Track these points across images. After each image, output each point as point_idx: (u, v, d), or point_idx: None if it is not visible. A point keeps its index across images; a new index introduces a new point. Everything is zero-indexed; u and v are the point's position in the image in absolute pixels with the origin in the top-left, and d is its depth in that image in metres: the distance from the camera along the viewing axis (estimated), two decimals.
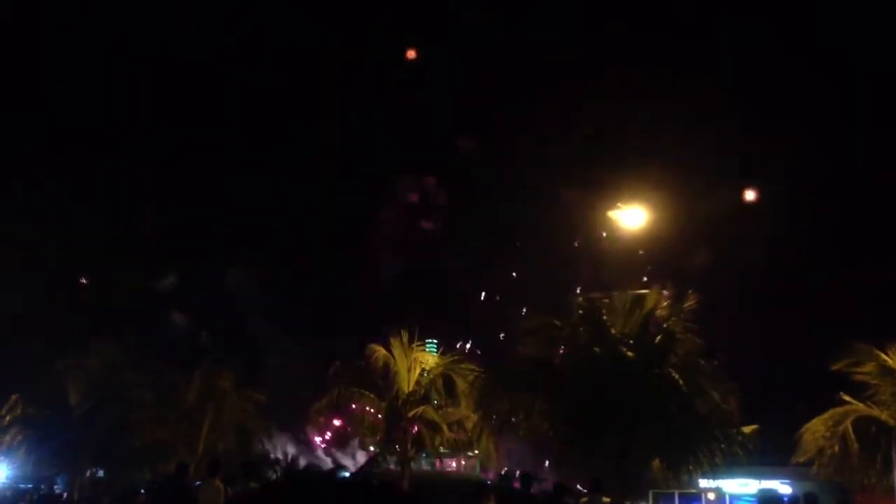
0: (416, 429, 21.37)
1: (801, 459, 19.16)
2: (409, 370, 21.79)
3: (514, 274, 59.46)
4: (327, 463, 34.08)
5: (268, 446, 28.64)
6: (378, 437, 22.31)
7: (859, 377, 18.55)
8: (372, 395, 21.69)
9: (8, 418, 25.38)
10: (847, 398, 18.79)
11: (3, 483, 27.20)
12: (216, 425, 25.13)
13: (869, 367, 18.45)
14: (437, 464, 28.17)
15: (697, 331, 16.73)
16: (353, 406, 22.67)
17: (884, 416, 18.39)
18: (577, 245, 54.50)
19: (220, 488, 12.34)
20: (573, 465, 17.15)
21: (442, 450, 23.15)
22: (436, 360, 22.35)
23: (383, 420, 21.57)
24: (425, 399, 21.78)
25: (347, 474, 21.22)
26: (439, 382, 21.56)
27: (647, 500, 26.17)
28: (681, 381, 15.65)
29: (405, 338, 21.79)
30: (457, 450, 25.66)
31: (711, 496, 30.39)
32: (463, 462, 35.06)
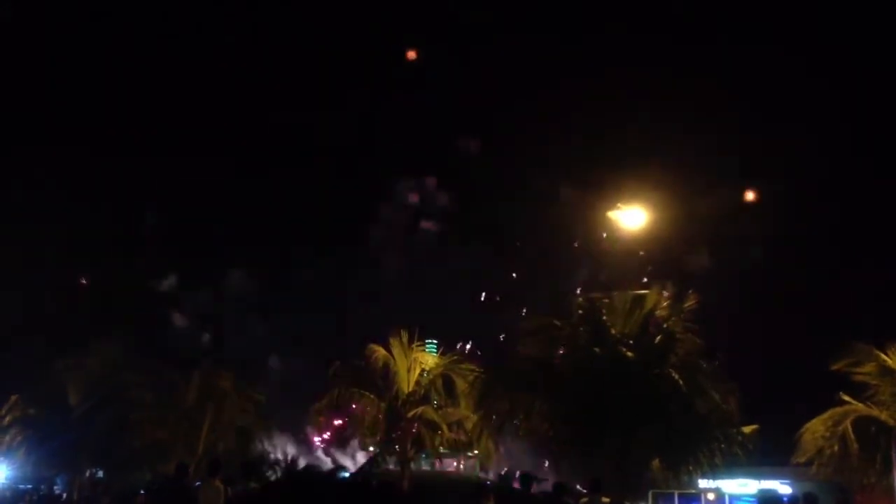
0: (415, 429, 21.35)
1: (801, 459, 19.11)
2: (408, 370, 21.77)
3: (514, 274, 59.48)
4: (327, 463, 34.04)
5: (268, 446, 28.59)
6: (378, 438, 22.28)
7: (859, 377, 18.51)
8: (372, 396, 21.65)
9: (8, 419, 25.38)
10: (847, 398, 18.75)
11: (3, 483, 27.22)
12: (216, 425, 25.09)
13: (869, 367, 18.42)
14: (437, 464, 28.12)
15: (697, 331, 16.71)
16: (353, 406, 22.65)
17: (883, 416, 18.36)
18: (576, 246, 54.52)
19: (219, 489, 12.33)
20: (573, 465, 17.13)
21: (442, 450, 23.12)
22: (435, 360, 22.33)
23: (383, 420, 21.55)
24: (425, 399, 21.76)
25: (347, 475, 21.21)
26: (439, 383, 21.55)
27: (647, 501, 26.16)
28: (681, 382, 15.62)
29: (405, 338, 21.79)
30: (456, 450, 25.66)
31: (711, 496, 30.39)
32: (462, 462, 35.03)
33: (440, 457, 25.68)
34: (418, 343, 22.16)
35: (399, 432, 21.46)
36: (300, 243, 54.84)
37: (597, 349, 16.35)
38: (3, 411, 25.46)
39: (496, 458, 22.49)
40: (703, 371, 16.25)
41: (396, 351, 21.81)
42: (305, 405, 25.58)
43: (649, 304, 16.78)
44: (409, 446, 21.36)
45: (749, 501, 27.90)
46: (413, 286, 55.01)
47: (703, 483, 26.22)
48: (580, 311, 17.51)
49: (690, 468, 16.31)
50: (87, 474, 27.14)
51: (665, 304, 16.95)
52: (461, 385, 20.68)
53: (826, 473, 18.85)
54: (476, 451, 24.40)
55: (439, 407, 21.84)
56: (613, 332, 16.59)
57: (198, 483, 14.31)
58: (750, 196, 40.97)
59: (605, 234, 47.65)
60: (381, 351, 21.94)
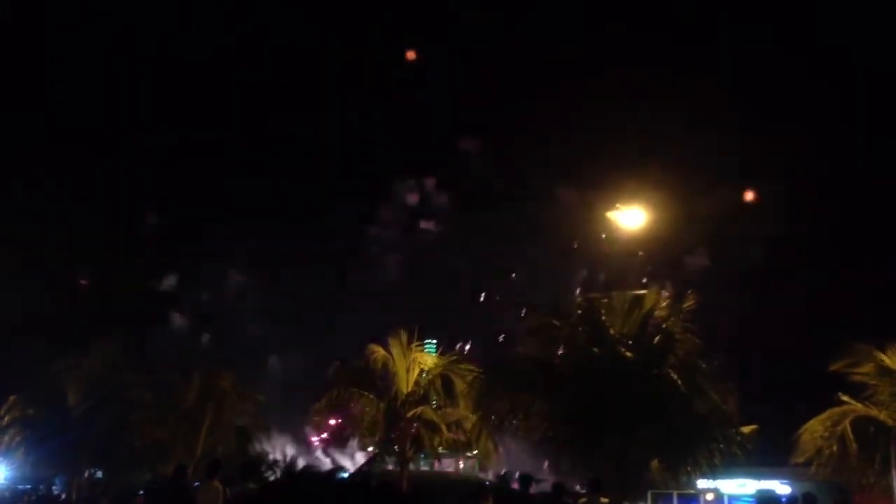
0: (414, 429, 21.35)
1: (800, 460, 19.12)
2: (407, 370, 21.77)
3: (513, 275, 59.43)
4: (326, 463, 34.04)
5: (267, 447, 28.61)
6: (377, 438, 22.27)
7: (858, 377, 18.52)
8: (371, 396, 21.66)
9: (7, 419, 25.34)
10: (845, 398, 18.76)
11: (2, 484, 27.22)
12: (215, 426, 25.09)
13: (867, 367, 18.42)
14: (436, 464, 28.13)
15: (696, 331, 16.72)
16: (352, 406, 22.65)
17: (882, 416, 18.36)
18: (576, 247, 54.45)
19: (218, 489, 12.31)
20: (572, 465, 17.12)
21: (441, 450, 23.12)
22: (435, 360, 22.32)
23: (382, 420, 21.54)
24: (424, 399, 21.76)
25: (346, 475, 21.20)
26: (438, 383, 21.54)
27: (646, 501, 26.15)
28: (679, 382, 15.63)
29: (404, 338, 21.79)
30: (455, 450, 25.65)
31: (710, 497, 30.38)
32: (461, 462, 35.03)
33: (439, 457, 25.70)
34: (417, 343, 22.17)
35: (398, 432, 21.45)
36: (300, 243, 54.79)
37: (596, 349, 16.37)
38: (2, 411, 25.42)
39: (495, 459, 22.45)
40: (702, 371, 16.25)
41: (395, 351, 21.81)
42: (305, 405, 25.58)
43: (648, 305, 16.79)
44: (407, 446, 21.36)
45: (748, 502, 27.92)
46: (412, 286, 55.03)
47: (701, 483, 26.21)
48: (579, 311, 17.52)
49: (689, 468, 16.31)
50: (86, 475, 27.11)
51: (664, 304, 16.96)
52: (460, 385, 20.68)
53: (825, 473, 18.85)
54: (475, 452, 24.40)
55: (438, 407, 21.84)
56: (612, 332, 16.59)
57: (196, 484, 14.31)
58: (750, 196, 40.97)
59: (603, 235, 47.57)
60: (380, 351, 21.94)
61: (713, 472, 17.63)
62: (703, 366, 16.35)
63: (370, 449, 24.37)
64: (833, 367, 18.42)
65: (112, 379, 25.20)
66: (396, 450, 21.57)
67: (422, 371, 21.98)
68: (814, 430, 18.81)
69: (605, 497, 14.39)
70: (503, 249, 59.69)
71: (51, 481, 27.45)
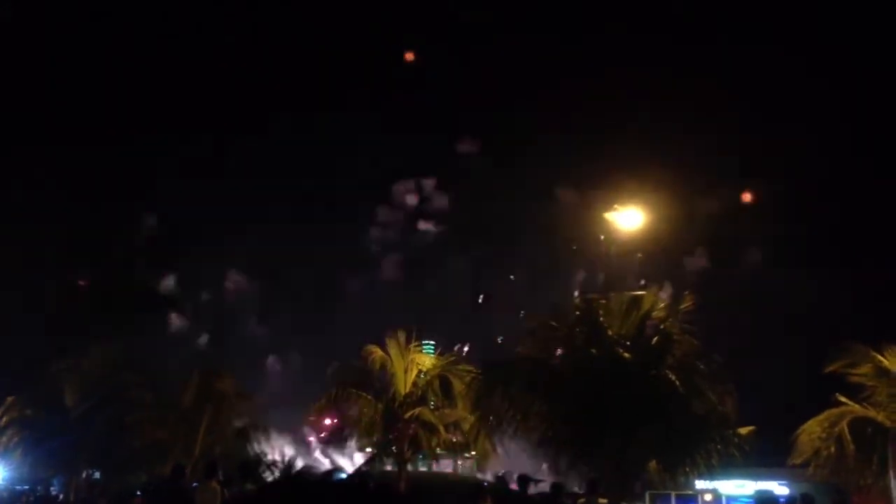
0: (412, 430, 21.36)
1: (798, 461, 19.10)
2: (406, 371, 21.82)
3: (511, 276, 59.39)
4: (324, 464, 34.03)
5: (265, 447, 28.59)
6: (375, 439, 22.29)
7: (855, 378, 18.53)
8: (369, 396, 21.68)
9: (5, 419, 25.29)
10: (843, 399, 18.76)
11: (0, 485, 27.17)
12: (214, 427, 25.06)
13: (865, 368, 18.43)
14: (434, 465, 28.13)
15: (695, 332, 16.74)
16: (351, 407, 22.65)
17: (880, 417, 18.37)
18: (574, 248, 54.41)
19: (216, 490, 12.34)
20: (571, 465, 17.13)
21: (439, 451, 23.14)
22: (433, 361, 22.35)
23: (380, 421, 21.55)
24: (422, 400, 21.78)
25: (344, 476, 21.21)
26: (436, 384, 21.57)
27: (644, 502, 26.16)
28: (678, 383, 15.66)
29: (402, 339, 21.81)
30: (454, 451, 25.66)
31: (708, 497, 30.40)
32: (460, 463, 35.03)
33: (437, 458, 25.70)
34: (415, 344, 22.20)
35: (396, 433, 21.48)
36: (300, 243, 54.76)
37: (594, 350, 16.40)
38: (1, 412, 25.37)
39: (493, 459, 22.47)
40: (701, 372, 16.27)
41: (394, 352, 21.84)
42: (303, 406, 25.56)
43: (646, 306, 16.82)
44: (406, 447, 21.39)
45: (746, 502, 27.91)
46: (411, 287, 54.99)
47: (700, 484, 26.25)
48: (577, 312, 17.55)
49: (688, 469, 16.32)
50: (84, 476, 27.06)
51: (662, 305, 16.99)
52: (458, 386, 20.71)
53: (823, 474, 18.85)
54: (473, 452, 24.42)
55: (436, 408, 21.86)
56: (611, 332, 16.63)
57: (195, 485, 14.32)
58: (750, 196, 40.95)
59: (602, 237, 47.53)
60: (378, 352, 21.97)
61: (711, 473, 17.67)
62: (702, 366, 16.37)
63: (368, 450, 24.38)
64: (831, 368, 18.44)
65: (111, 379, 25.13)
66: (395, 450, 21.59)
67: (420, 372, 22.02)
68: (812, 430, 18.83)
69: (603, 498, 14.43)
70: (503, 249, 59.67)
71: (49, 482, 27.39)
